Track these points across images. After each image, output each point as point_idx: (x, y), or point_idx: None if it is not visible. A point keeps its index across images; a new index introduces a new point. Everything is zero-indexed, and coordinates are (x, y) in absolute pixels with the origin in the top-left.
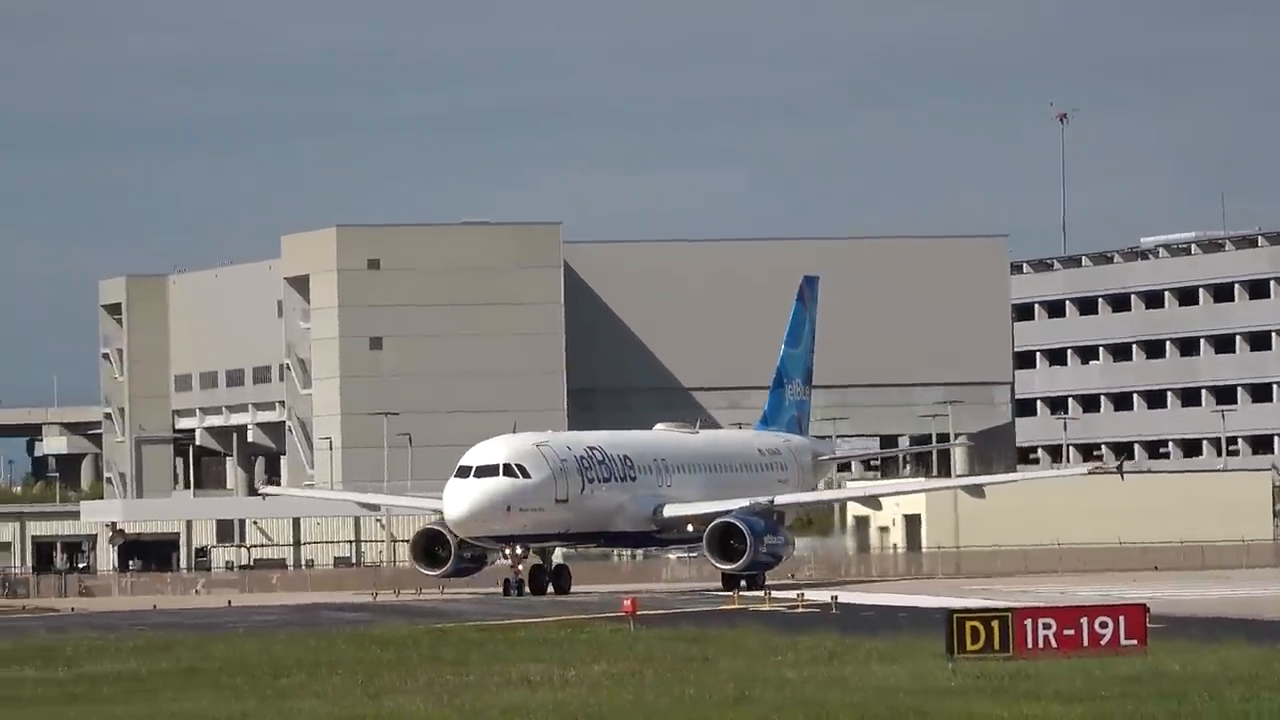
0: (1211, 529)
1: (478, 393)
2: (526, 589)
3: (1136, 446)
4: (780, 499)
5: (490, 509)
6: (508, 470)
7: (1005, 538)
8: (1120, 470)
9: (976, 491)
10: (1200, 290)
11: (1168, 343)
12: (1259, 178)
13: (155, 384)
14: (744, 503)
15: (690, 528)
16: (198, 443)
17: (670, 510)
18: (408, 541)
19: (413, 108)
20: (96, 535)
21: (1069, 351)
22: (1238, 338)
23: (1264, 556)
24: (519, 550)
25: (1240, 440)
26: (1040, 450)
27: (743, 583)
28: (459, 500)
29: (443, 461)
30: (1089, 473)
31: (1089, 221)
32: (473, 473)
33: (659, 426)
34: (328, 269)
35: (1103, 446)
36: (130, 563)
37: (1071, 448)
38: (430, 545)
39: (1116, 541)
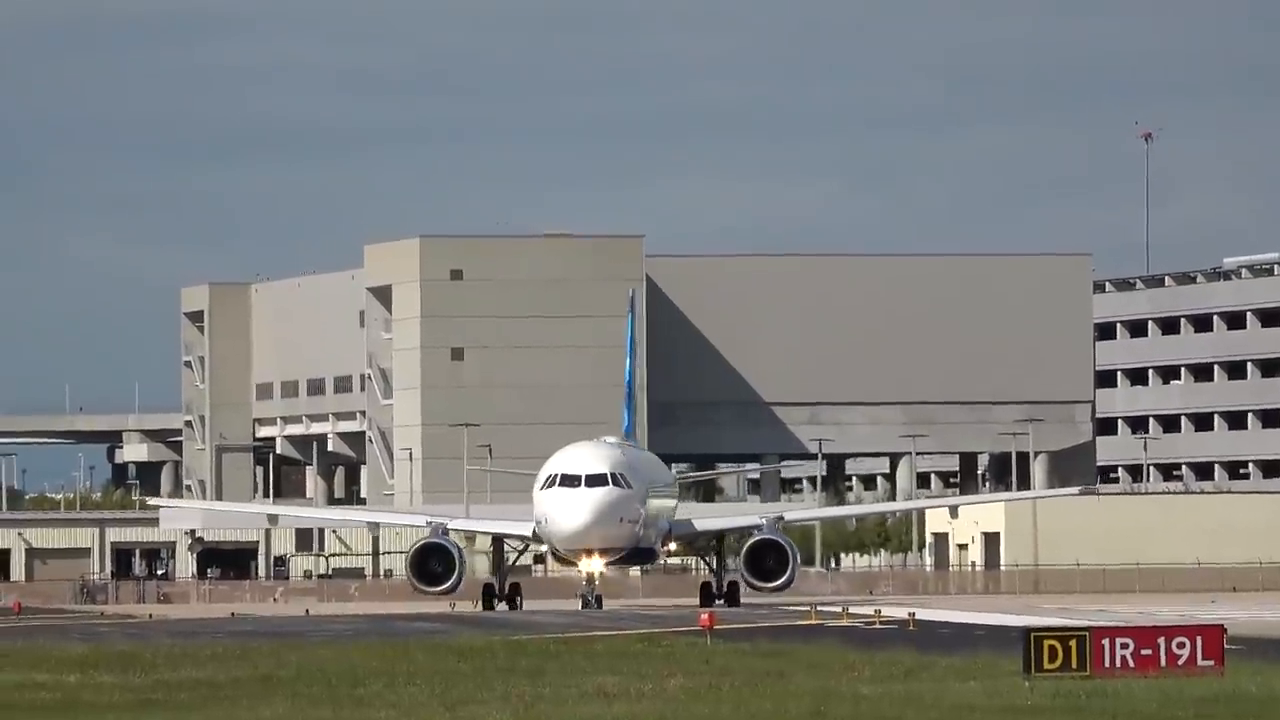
0: None
1: (558, 405)
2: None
3: (1217, 467)
4: (790, 515)
5: (606, 519)
6: (614, 480)
7: (1084, 557)
8: (1095, 492)
9: (953, 512)
10: None
11: (1249, 364)
12: None
13: (236, 392)
14: (755, 518)
15: (672, 545)
16: (278, 451)
17: (701, 524)
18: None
19: (498, 118)
20: (175, 542)
21: (1150, 371)
22: None
23: None
24: (602, 566)
25: None
26: (1120, 469)
27: (719, 601)
28: (576, 510)
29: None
30: (1080, 493)
31: (1172, 241)
32: (583, 481)
33: (611, 439)
34: (410, 279)
35: (1183, 466)
36: (209, 570)
37: (1152, 467)
38: (426, 561)
39: (1195, 562)
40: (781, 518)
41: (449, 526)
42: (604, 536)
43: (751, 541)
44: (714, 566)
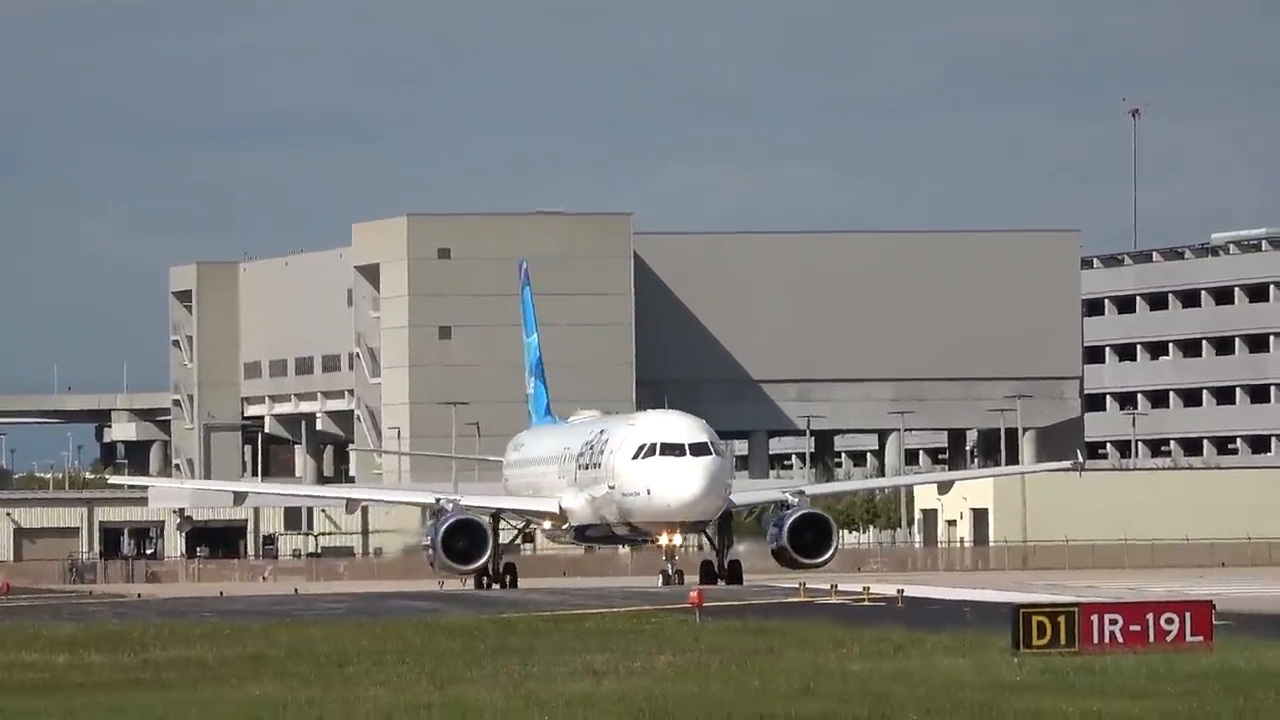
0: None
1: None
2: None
3: (1205, 442)
4: (810, 489)
5: (712, 489)
6: (715, 449)
7: (1073, 532)
8: (1078, 468)
9: (944, 487)
10: (1271, 287)
11: (1237, 339)
12: None
13: (224, 371)
14: (777, 492)
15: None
16: (266, 430)
17: (739, 498)
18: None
19: (490, 103)
20: (164, 521)
21: (1138, 347)
22: None
23: None
24: (677, 539)
25: None
26: (1109, 445)
27: (721, 582)
28: (687, 479)
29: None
30: (1072, 467)
31: (1160, 217)
32: (687, 450)
33: (592, 414)
34: (398, 258)
35: (1171, 442)
36: (197, 549)
37: (1140, 443)
38: (455, 538)
39: (1184, 538)
40: (803, 491)
41: (462, 503)
42: (709, 508)
43: (796, 516)
44: (716, 544)
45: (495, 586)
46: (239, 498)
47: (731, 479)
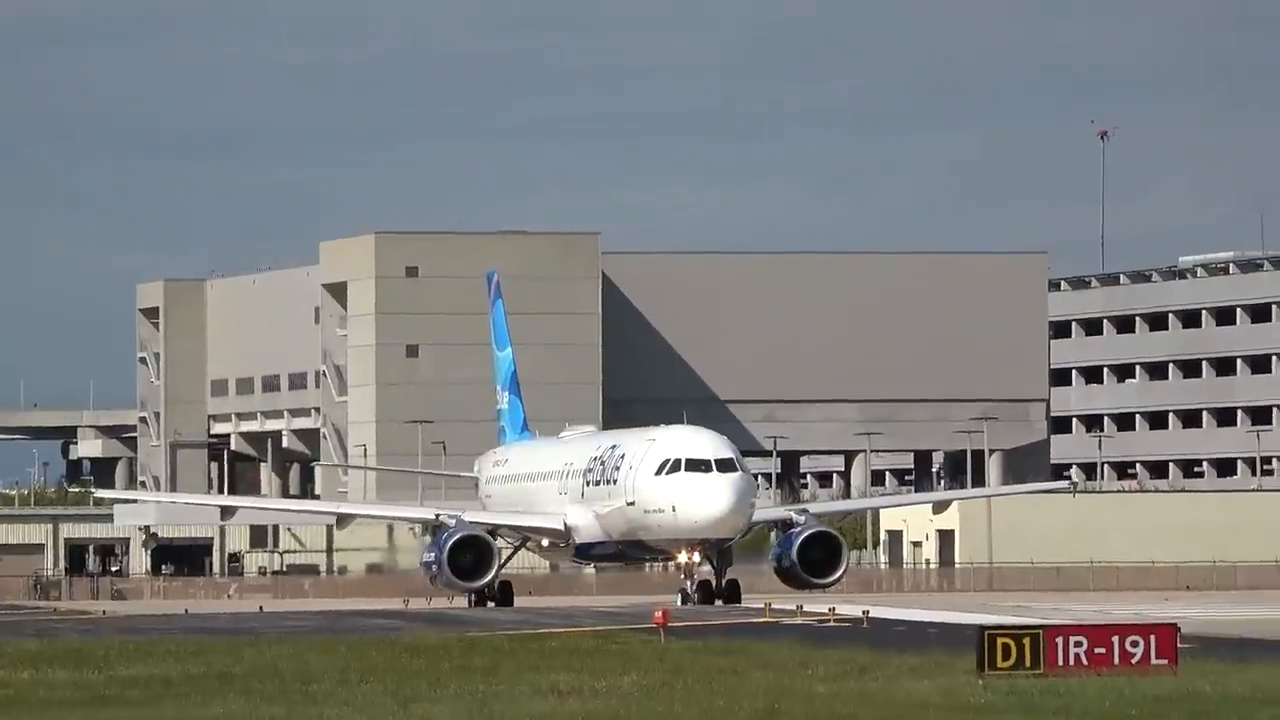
0: (1245, 549)
1: None
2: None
3: (1171, 466)
4: (814, 508)
5: (740, 506)
6: (740, 465)
7: (1038, 555)
8: (1073, 490)
9: (940, 506)
10: (1238, 310)
11: (1204, 362)
12: None
13: (191, 388)
14: (782, 510)
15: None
16: (232, 448)
17: (758, 515)
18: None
19: (458, 117)
20: (130, 539)
21: (1105, 370)
22: (1274, 358)
23: None
24: (697, 558)
25: (1275, 460)
26: (1075, 468)
27: (718, 602)
28: (715, 496)
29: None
30: (1071, 488)
31: (1128, 240)
32: (714, 466)
33: (586, 429)
34: (366, 276)
35: (1137, 465)
36: (163, 566)
37: (1106, 466)
38: (460, 555)
39: (1149, 560)
40: (807, 510)
41: (465, 519)
42: (736, 525)
43: (806, 534)
44: (715, 563)
45: (491, 605)
46: (227, 513)
47: (756, 496)
